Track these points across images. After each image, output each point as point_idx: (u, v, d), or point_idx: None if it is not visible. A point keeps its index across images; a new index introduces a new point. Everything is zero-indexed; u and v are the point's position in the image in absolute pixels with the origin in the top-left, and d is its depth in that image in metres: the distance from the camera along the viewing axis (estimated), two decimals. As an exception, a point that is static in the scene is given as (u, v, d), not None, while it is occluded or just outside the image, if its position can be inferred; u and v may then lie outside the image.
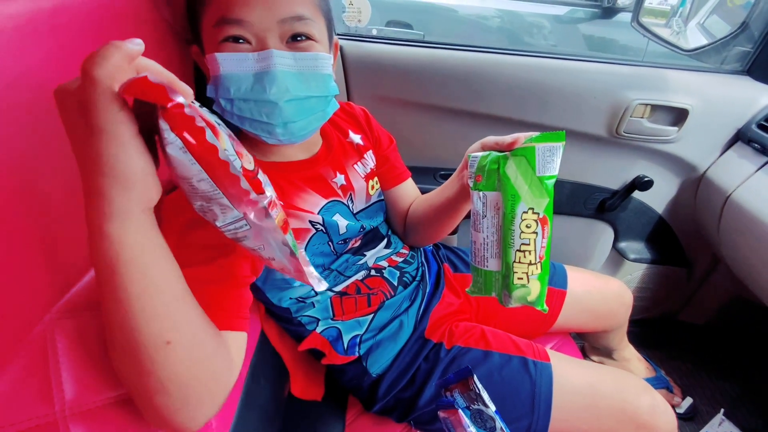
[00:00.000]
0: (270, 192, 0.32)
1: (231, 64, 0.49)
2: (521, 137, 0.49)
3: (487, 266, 0.51)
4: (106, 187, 0.28)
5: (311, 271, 0.36)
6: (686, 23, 1.53)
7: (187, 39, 0.61)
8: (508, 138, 0.51)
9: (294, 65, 0.50)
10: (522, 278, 0.48)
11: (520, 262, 0.48)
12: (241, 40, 0.50)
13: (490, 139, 0.55)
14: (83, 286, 0.38)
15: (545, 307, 0.51)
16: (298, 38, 0.51)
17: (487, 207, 0.49)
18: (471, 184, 0.52)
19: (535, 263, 0.48)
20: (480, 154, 0.52)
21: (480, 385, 0.53)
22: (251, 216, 0.31)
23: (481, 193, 0.50)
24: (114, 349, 0.33)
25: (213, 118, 0.31)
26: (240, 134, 0.59)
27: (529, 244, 0.47)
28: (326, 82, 0.54)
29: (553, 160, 0.47)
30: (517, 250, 0.47)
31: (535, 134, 0.48)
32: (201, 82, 0.64)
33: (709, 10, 1.42)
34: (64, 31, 0.38)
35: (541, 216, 0.47)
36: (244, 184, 0.30)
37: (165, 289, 0.32)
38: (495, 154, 0.50)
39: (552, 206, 0.48)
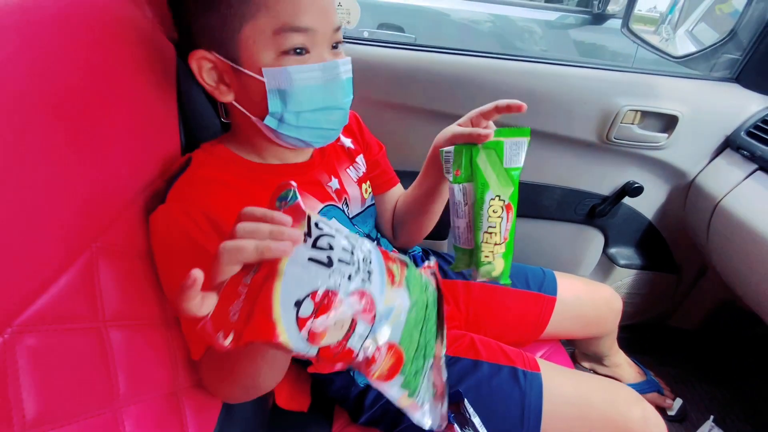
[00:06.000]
0: (369, 349, 0.32)
1: (304, 78, 0.48)
2: (491, 133, 0.52)
3: (471, 245, 0.56)
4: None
5: (417, 416, 0.36)
6: (675, 30, 1.55)
7: (177, 42, 0.57)
8: (482, 132, 0.53)
9: (347, 72, 0.53)
10: (488, 256, 0.54)
11: (486, 242, 0.53)
12: (299, 50, 0.48)
13: (464, 131, 0.55)
14: (49, 298, 0.36)
15: (509, 281, 0.57)
16: (335, 46, 0.52)
17: (466, 196, 0.54)
18: (450, 179, 0.55)
19: (500, 243, 0.54)
20: (452, 148, 0.55)
21: (471, 410, 0.53)
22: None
23: (460, 185, 0.54)
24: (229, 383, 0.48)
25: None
26: (259, 135, 0.54)
27: (495, 227, 0.53)
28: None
29: (519, 154, 0.52)
30: (485, 232, 0.53)
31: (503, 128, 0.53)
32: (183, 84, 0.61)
33: (698, 18, 1.44)
34: (32, 28, 0.36)
35: (506, 203, 0.53)
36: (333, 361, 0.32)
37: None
38: (467, 146, 0.53)
39: (517, 194, 0.53)
